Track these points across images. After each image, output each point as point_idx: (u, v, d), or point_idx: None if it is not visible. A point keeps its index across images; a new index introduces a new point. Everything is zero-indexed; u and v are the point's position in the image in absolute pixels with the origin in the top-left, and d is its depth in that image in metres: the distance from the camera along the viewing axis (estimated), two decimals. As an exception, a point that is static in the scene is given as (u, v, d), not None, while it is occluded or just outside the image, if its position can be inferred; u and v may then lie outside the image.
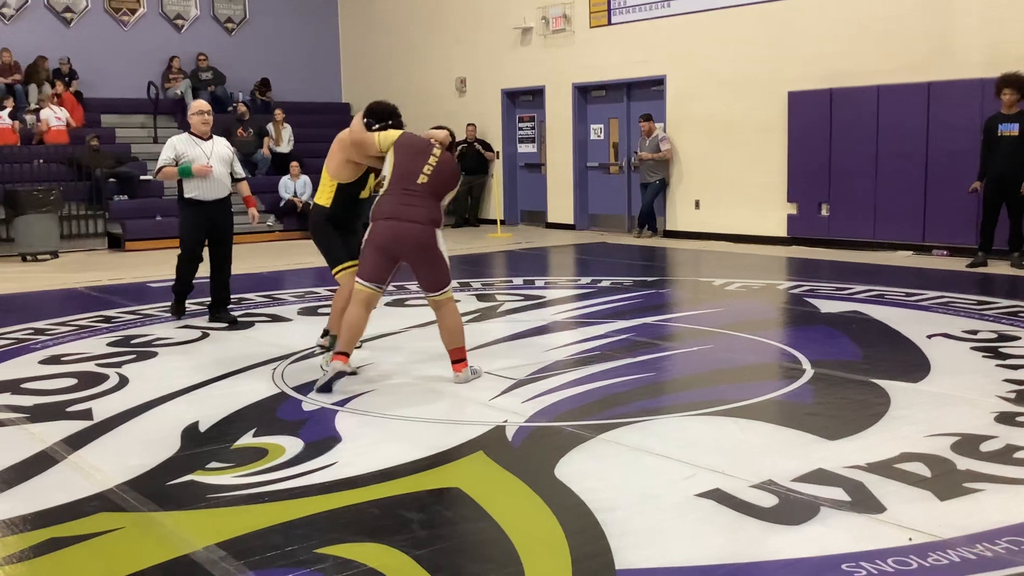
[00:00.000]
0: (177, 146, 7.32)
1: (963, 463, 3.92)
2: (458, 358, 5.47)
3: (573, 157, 14.94)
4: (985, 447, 4.12)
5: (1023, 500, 3.53)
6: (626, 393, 5.32)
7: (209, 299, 7.65)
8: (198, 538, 3.32)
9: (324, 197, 5.83)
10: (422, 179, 5.34)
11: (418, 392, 5.34)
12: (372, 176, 5.83)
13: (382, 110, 5.69)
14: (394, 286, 9.35)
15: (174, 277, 7.63)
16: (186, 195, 7.35)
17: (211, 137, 7.46)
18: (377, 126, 5.57)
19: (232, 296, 7.78)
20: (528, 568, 3.04)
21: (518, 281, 9.76)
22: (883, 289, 8.47)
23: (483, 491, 3.75)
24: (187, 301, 7.77)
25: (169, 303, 7.82)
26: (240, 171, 7.71)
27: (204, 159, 7.29)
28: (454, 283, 5.57)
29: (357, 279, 5.40)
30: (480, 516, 3.50)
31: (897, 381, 5.26)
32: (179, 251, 7.58)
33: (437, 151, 5.46)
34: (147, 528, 3.47)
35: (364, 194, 5.89)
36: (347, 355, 5.35)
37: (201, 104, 7.57)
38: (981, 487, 3.66)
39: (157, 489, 3.84)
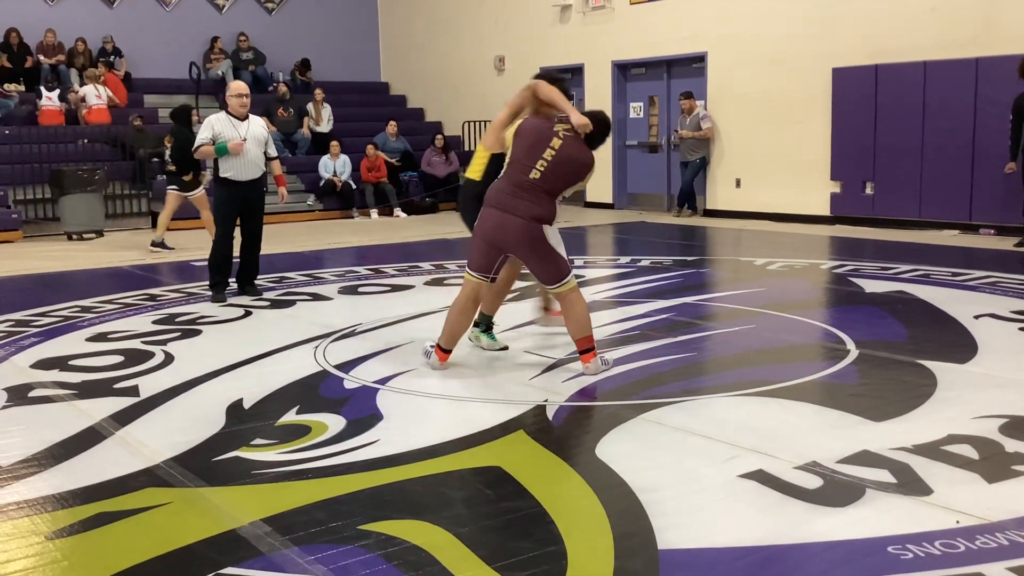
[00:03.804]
0: (215, 126, 7.45)
1: (1011, 445, 3.86)
2: (584, 348, 5.13)
3: (612, 135, 14.83)
4: (1035, 430, 4.05)
5: (1074, 484, 3.47)
6: (667, 373, 5.30)
7: (236, 274, 7.82)
8: (244, 513, 3.36)
9: (476, 171, 5.56)
10: (534, 175, 5.00)
11: (458, 371, 5.35)
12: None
13: (551, 79, 5.36)
14: (432, 264, 9.38)
15: (209, 259, 7.71)
16: (221, 175, 7.50)
17: (247, 118, 7.57)
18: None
19: (274, 275, 7.86)
20: (570, 547, 3.05)
21: (557, 260, 9.72)
22: (929, 269, 8.33)
23: (524, 470, 3.75)
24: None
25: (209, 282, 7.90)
26: (273, 151, 7.84)
27: (239, 139, 7.41)
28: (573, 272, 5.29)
29: (466, 269, 5.30)
30: (521, 494, 3.50)
31: (944, 362, 5.18)
32: (215, 231, 7.72)
33: (557, 142, 5.05)
34: (194, 503, 3.52)
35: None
36: (448, 352, 5.29)
37: (240, 86, 7.66)
38: (1031, 470, 3.60)
39: (203, 465, 3.89)
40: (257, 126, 7.63)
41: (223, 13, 17.61)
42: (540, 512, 3.34)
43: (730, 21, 12.99)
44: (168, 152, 11.00)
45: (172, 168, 10.55)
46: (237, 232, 7.67)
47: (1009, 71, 10.25)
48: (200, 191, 10.55)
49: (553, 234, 5.11)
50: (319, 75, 17.51)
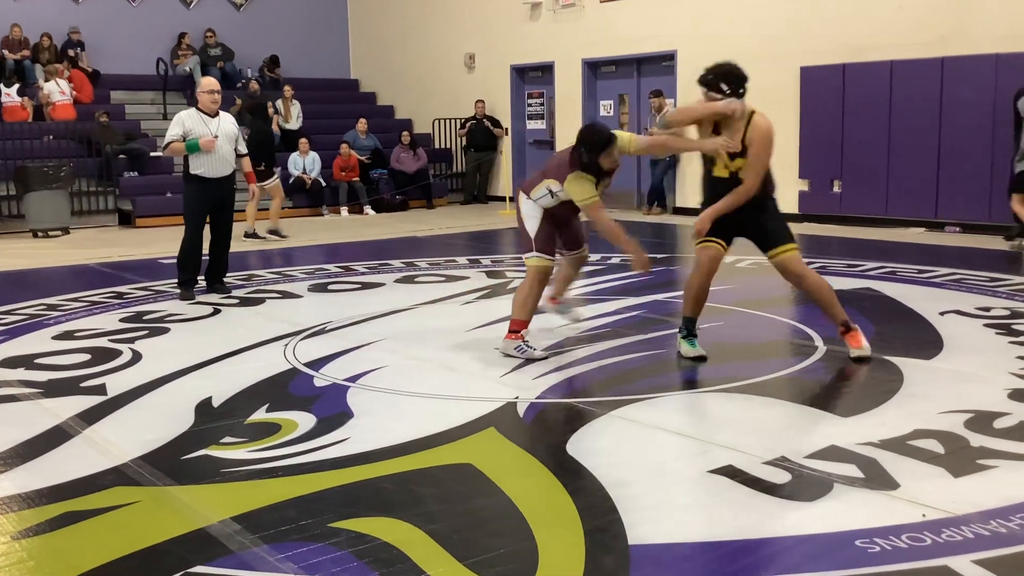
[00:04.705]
0: (185, 122, 7.39)
1: (976, 440, 3.91)
2: (511, 328, 5.50)
3: (583, 133, 14.86)
4: (999, 424, 4.11)
5: (1037, 477, 3.52)
6: (638, 370, 5.32)
7: (205, 271, 7.77)
8: (213, 512, 3.33)
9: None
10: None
11: (429, 368, 5.34)
12: (726, 157, 5.20)
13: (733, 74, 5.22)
14: (402, 262, 9.36)
15: (178, 257, 7.63)
16: (192, 171, 7.43)
17: (218, 114, 7.51)
18: (728, 91, 5.12)
19: (243, 272, 7.82)
20: (541, 543, 3.05)
21: (528, 258, 9.73)
22: (895, 266, 8.43)
23: (495, 467, 3.76)
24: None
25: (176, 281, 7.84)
26: (243, 147, 7.83)
27: (210, 136, 7.36)
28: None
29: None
30: (492, 491, 3.51)
31: (910, 358, 5.25)
32: (184, 228, 7.61)
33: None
34: (162, 502, 3.49)
35: (718, 171, 5.27)
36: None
37: (212, 83, 7.62)
38: (995, 464, 3.65)
39: (172, 463, 3.86)
40: (228, 123, 7.59)
41: (190, 8, 17.45)
42: (511, 509, 3.34)
43: (699, 20, 13.06)
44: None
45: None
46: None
47: (975, 71, 10.40)
48: (275, 180, 11.23)
49: (530, 207, 5.51)
50: (288, 72, 17.40)
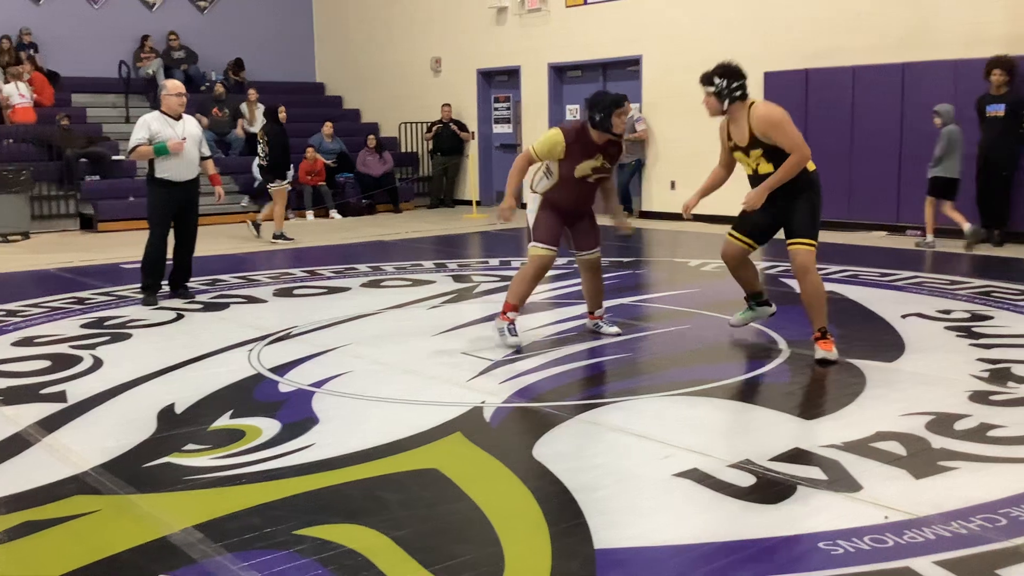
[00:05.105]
0: (151, 125, 7.30)
1: (938, 442, 3.96)
2: (503, 309, 5.76)
3: (549, 138, 14.89)
4: (959, 426, 4.16)
5: (997, 478, 3.57)
6: (603, 374, 5.34)
7: (169, 276, 7.70)
8: (175, 520, 3.29)
9: None
10: None
11: (395, 373, 5.32)
12: (743, 155, 5.43)
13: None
14: (369, 266, 9.33)
15: (142, 262, 7.54)
16: (158, 175, 7.34)
17: (182, 117, 7.45)
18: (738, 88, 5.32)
19: (207, 277, 7.75)
20: (507, 548, 3.05)
21: (494, 262, 9.74)
22: (857, 269, 8.52)
23: (461, 472, 3.75)
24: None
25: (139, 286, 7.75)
26: (207, 150, 7.78)
27: (177, 139, 7.26)
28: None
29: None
30: (458, 497, 3.49)
31: (872, 361, 5.30)
32: (149, 233, 7.52)
33: None
34: (124, 510, 3.44)
35: (747, 171, 5.50)
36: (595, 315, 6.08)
37: (178, 85, 7.56)
38: (956, 465, 3.70)
39: (133, 471, 3.81)
40: (193, 125, 7.54)
41: (153, 11, 17.27)
42: (477, 514, 3.33)
43: (664, 25, 13.14)
44: (261, 148, 11.63)
45: (264, 163, 11.54)
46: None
47: (936, 76, 10.55)
48: (284, 185, 11.58)
49: (531, 202, 5.82)
50: (253, 75, 17.27)
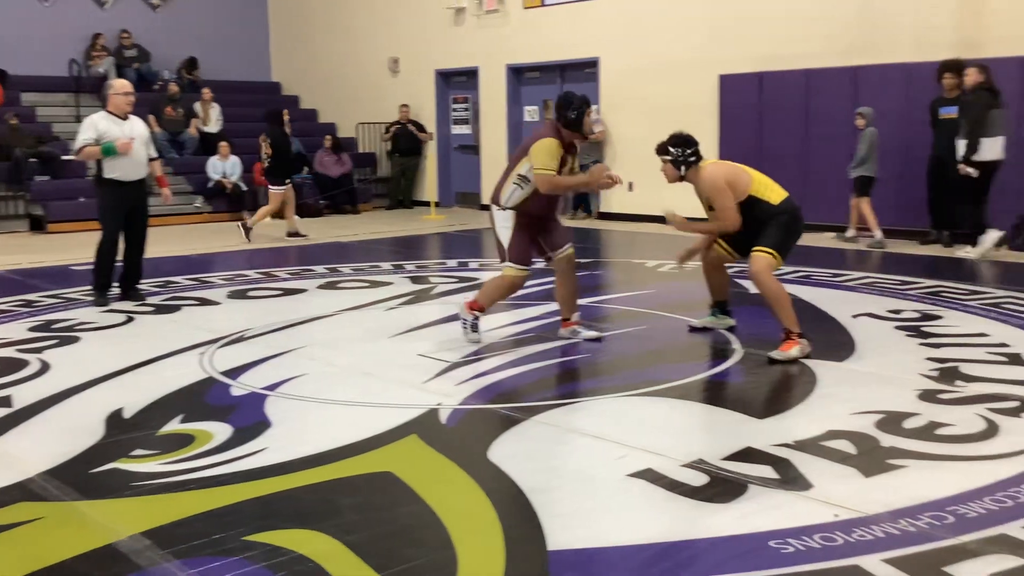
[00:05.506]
0: (98, 125, 7.22)
1: (887, 440, 4.01)
2: (470, 303, 5.87)
3: (508, 138, 14.91)
4: (908, 424, 4.22)
5: (944, 476, 3.62)
6: (560, 375, 5.34)
7: (119, 278, 7.59)
8: (122, 527, 3.23)
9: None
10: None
11: (350, 375, 5.28)
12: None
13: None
14: (326, 268, 9.26)
15: (94, 263, 7.44)
16: (106, 175, 7.25)
17: (128, 117, 7.37)
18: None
19: (159, 279, 7.66)
20: (461, 551, 3.03)
21: (452, 263, 9.72)
22: (810, 270, 8.61)
23: (416, 475, 3.72)
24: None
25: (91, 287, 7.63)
26: (154, 151, 7.73)
27: (125, 138, 7.19)
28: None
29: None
30: (413, 500, 3.47)
31: (824, 360, 5.36)
32: (100, 235, 7.42)
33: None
34: (69, 517, 3.38)
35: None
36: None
37: (126, 84, 7.49)
38: (904, 463, 3.74)
39: (80, 478, 3.74)
40: (140, 125, 7.47)
41: (105, 9, 17.00)
42: (431, 517, 3.31)
43: (621, 27, 13.19)
44: (263, 152, 11.82)
45: (267, 166, 11.73)
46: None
47: (886, 79, 10.71)
48: (286, 188, 11.67)
49: (503, 218, 5.69)
50: (207, 74, 17.06)
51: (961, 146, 9.22)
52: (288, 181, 11.73)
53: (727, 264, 6.08)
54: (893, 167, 10.40)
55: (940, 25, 10.40)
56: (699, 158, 5.68)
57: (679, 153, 5.65)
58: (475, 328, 5.88)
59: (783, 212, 5.58)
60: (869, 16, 10.92)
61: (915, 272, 8.51)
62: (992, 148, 9.14)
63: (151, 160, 7.59)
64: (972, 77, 9.32)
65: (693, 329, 6.22)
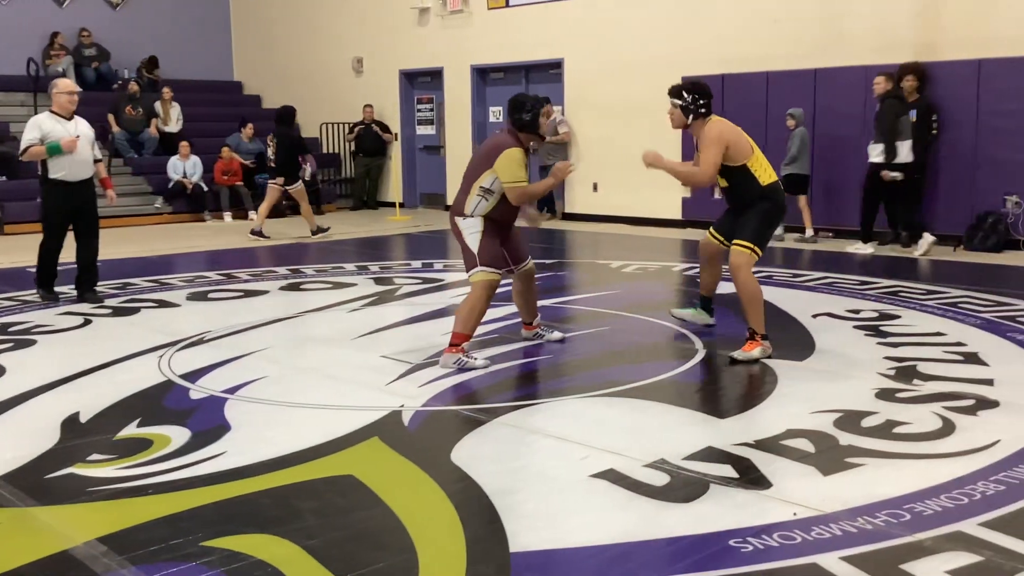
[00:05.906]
0: (43, 125, 7.20)
1: (845, 439, 4.05)
2: (453, 341, 5.35)
3: (472, 139, 14.90)
4: (866, 423, 4.26)
5: (901, 473, 3.67)
6: (523, 376, 5.34)
7: (75, 280, 7.56)
8: (78, 533, 3.19)
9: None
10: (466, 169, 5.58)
11: (312, 378, 5.24)
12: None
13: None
14: (288, 269, 9.19)
15: (36, 264, 7.42)
16: (52, 175, 7.21)
17: (73, 117, 7.33)
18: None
19: (117, 280, 7.58)
20: (422, 554, 3.02)
21: (416, 264, 9.68)
22: (771, 270, 8.69)
23: (378, 478, 3.70)
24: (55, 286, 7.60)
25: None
26: (98, 153, 7.69)
27: (71, 136, 7.15)
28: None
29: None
30: (374, 503, 3.45)
31: (784, 360, 5.41)
32: (42, 235, 7.41)
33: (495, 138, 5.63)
34: (23, 523, 3.32)
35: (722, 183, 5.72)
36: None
37: (70, 83, 7.49)
38: (862, 462, 3.78)
39: (34, 483, 3.68)
40: (85, 125, 7.43)
41: (63, 7, 16.75)
42: (393, 520, 3.30)
43: (585, 29, 13.23)
44: (270, 151, 12.04)
45: (272, 165, 11.94)
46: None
47: (846, 81, 10.83)
48: (299, 185, 11.84)
49: (470, 226, 5.46)
50: (167, 73, 16.86)
51: (877, 152, 9.54)
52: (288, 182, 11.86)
53: (723, 265, 6.02)
54: (854, 170, 10.50)
55: (899, 28, 10.54)
56: (709, 112, 5.53)
57: (691, 100, 5.49)
58: (470, 359, 5.34)
59: (767, 198, 5.55)
60: (830, 19, 11.03)
61: (874, 272, 8.61)
62: (904, 152, 9.51)
63: (96, 161, 7.52)
64: (881, 86, 9.68)
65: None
